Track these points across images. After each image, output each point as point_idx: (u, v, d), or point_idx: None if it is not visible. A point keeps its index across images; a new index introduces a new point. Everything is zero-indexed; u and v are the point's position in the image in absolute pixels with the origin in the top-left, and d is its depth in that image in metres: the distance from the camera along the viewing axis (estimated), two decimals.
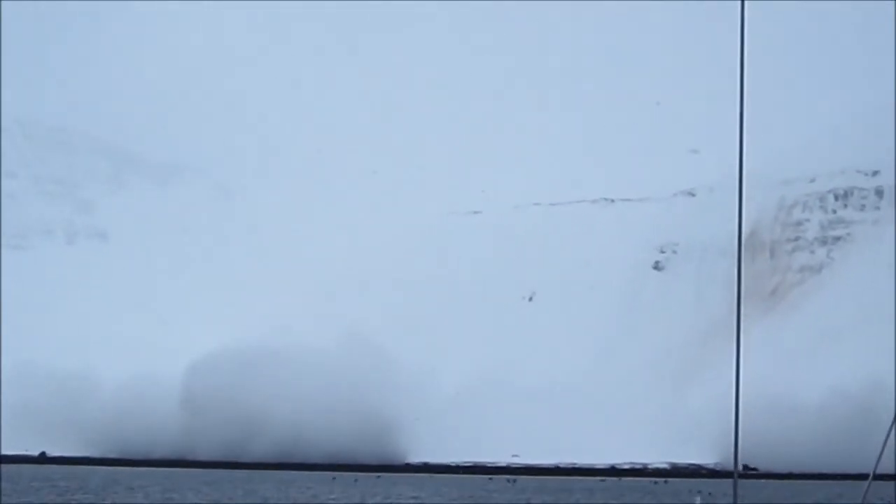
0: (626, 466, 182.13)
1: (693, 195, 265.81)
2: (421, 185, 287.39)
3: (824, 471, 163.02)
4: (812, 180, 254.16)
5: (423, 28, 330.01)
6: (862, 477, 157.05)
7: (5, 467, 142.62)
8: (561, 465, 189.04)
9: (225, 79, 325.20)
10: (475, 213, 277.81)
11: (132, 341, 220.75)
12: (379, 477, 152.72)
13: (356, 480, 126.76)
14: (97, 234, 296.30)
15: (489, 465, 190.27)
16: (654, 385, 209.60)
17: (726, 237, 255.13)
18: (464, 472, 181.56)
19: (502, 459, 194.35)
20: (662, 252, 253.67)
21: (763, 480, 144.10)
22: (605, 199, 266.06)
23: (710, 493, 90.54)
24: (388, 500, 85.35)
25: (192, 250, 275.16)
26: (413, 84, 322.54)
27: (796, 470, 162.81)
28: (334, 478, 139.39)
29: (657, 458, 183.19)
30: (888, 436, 15.25)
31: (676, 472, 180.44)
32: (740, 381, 15.15)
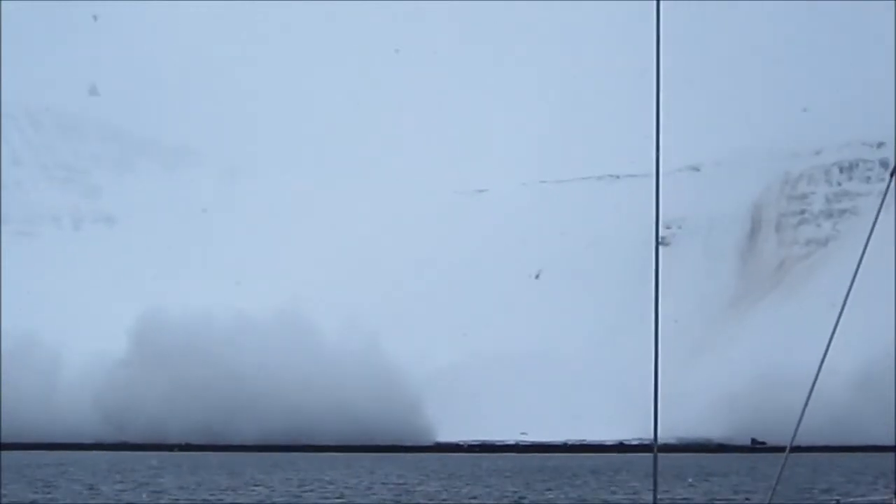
0: (635, 442, 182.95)
1: (698, 170, 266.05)
2: (427, 164, 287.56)
3: (830, 443, 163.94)
4: (817, 153, 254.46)
5: (427, 5, 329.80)
6: (865, 448, 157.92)
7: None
8: (569, 443, 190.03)
9: (232, 62, 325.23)
10: (481, 191, 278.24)
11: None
12: (382, 457, 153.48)
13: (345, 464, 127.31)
14: (104, 219, 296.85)
15: (497, 443, 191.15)
16: (662, 361, 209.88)
17: (732, 212, 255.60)
18: (472, 451, 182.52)
19: (510, 437, 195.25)
20: (668, 228, 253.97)
21: (772, 454, 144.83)
22: (611, 176, 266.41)
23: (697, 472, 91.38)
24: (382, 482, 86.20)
25: (200, 234, 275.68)
26: (418, 62, 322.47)
27: (804, 443, 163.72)
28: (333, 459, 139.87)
29: (664, 433, 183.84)
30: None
31: (684, 447, 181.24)
32: (658, 363, 15.83)
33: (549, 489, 75.97)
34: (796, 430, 16.46)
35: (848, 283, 16.92)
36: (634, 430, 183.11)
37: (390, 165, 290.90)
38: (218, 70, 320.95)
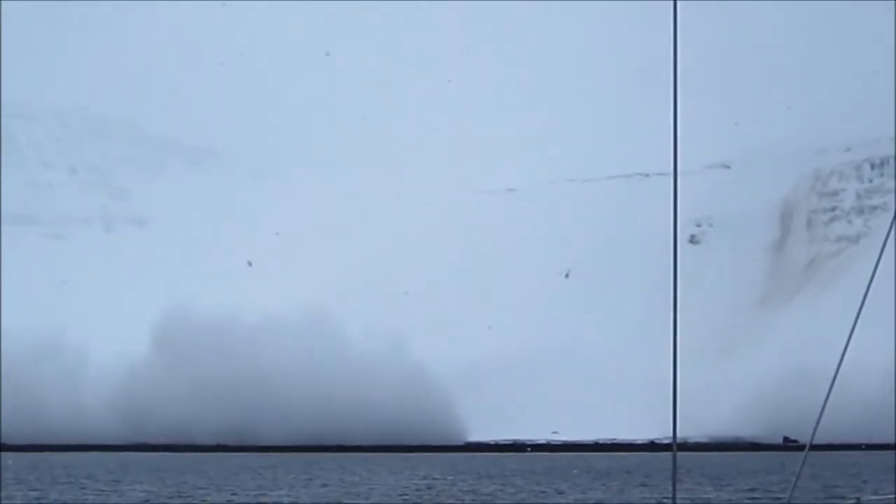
0: (666, 441, 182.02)
1: (728, 167, 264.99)
2: (454, 162, 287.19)
3: (862, 441, 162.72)
4: (847, 149, 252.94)
5: (454, 4, 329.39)
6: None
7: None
8: (600, 442, 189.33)
9: (259, 62, 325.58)
10: (510, 189, 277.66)
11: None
12: (410, 457, 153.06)
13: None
14: (135, 221, 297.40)
15: (528, 442, 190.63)
16: (693, 360, 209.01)
17: (763, 209, 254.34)
18: (502, 450, 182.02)
19: (541, 437, 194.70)
20: (698, 226, 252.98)
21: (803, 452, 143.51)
22: (640, 174, 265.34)
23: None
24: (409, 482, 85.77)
25: (230, 234, 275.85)
26: (446, 60, 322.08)
27: (836, 441, 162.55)
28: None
29: (695, 432, 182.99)
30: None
31: (715, 446, 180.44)
32: (678, 364, 15.32)
33: (578, 489, 75.46)
34: (815, 428, 15.96)
35: (880, 280, 16.35)
36: (666, 428, 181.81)
37: (417, 164, 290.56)
38: (244, 71, 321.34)
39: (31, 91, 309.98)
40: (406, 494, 68.71)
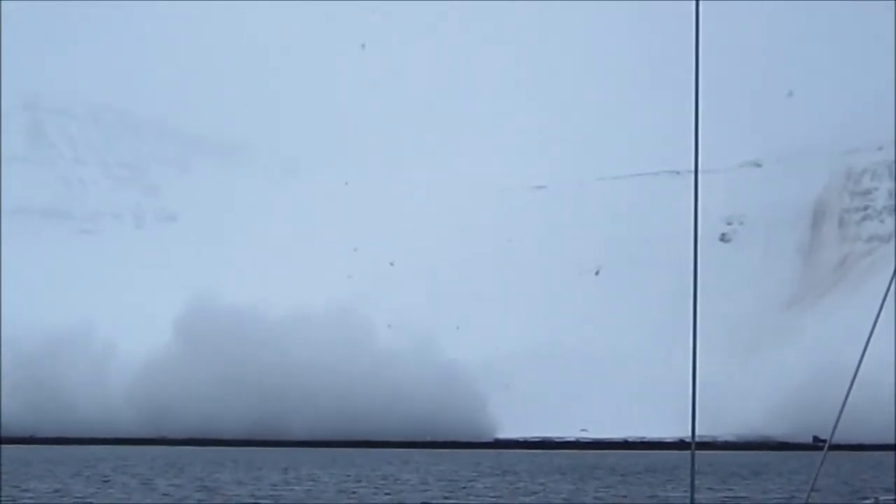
0: (697, 440, 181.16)
1: (759, 166, 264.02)
2: (484, 160, 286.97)
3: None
4: (880, 148, 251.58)
5: (484, 4, 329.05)
6: None
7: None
8: (629, 440, 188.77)
9: (287, 57, 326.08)
10: (540, 187, 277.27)
11: None
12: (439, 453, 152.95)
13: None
14: (166, 217, 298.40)
15: (557, 440, 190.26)
16: (723, 358, 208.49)
17: (794, 208, 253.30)
18: (531, 448, 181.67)
19: (570, 434, 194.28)
20: (729, 224, 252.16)
21: (834, 452, 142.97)
22: (670, 172, 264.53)
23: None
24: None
25: (260, 230, 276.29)
26: (476, 57, 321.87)
27: (867, 441, 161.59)
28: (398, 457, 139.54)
29: (724, 430, 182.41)
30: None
31: (745, 445, 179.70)
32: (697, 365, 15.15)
33: (604, 486, 75.24)
34: (834, 428, 15.74)
35: None
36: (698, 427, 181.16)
37: (448, 161, 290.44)
38: (273, 67, 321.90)
39: (65, 88, 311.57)
40: (431, 490, 68.60)
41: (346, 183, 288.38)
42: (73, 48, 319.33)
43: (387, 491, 68.09)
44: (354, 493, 66.52)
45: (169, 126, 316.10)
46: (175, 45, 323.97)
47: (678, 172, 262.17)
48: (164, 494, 62.65)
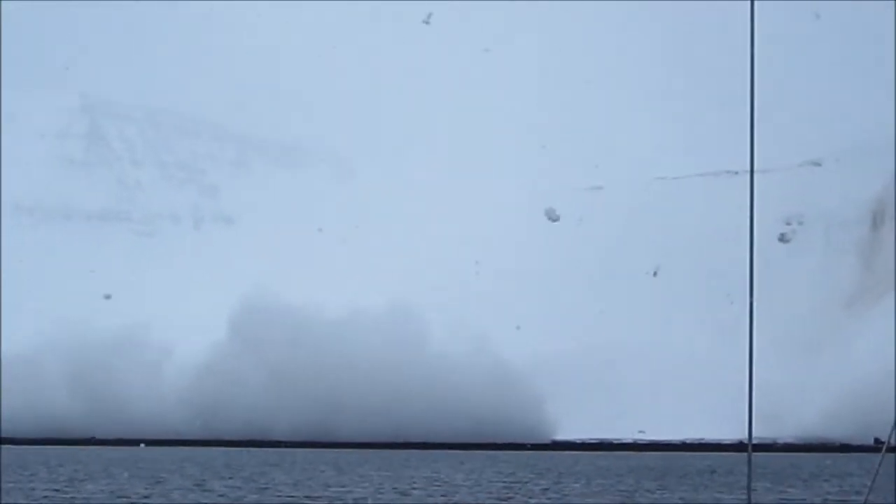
0: (755, 441, 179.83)
1: (819, 165, 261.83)
2: (542, 160, 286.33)
3: None
4: None
5: (547, 5, 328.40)
6: None
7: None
8: (688, 441, 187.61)
9: (344, 60, 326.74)
10: (597, 188, 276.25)
11: None
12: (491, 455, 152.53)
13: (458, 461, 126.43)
14: (223, 219, 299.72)
15: (615, 441, 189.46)
16: (782, 359, 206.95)
17: (854, 207, 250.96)
18: (589, 449, 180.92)
19: (628, 436, 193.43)
20: (788, 224, 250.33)
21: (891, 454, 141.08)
22: (728, 172, 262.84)
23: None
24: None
25: (316, 231, 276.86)
26: (533, 57, 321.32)
27: None
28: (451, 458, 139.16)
29: (784, 432, 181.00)
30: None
31: (805, 447, 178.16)
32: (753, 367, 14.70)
33: (660, 488, 74.64)
34: (893, 429, 15.19)
35: None
36: (755, 428, 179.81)
37: (506, 162, 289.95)
38: (331, 68, 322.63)
39: (123, 91, 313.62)
40: (487, 491, 68.30)
41: (403, 183, 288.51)
42: (130, 51, 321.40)
43: (443, 493, 67.80)
44: (409, 494, 66.32)
45: (226, 127, 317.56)
46: (231, 47, 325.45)
47: (737, 173, 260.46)
48: (220, 495, 62.64)
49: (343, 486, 73.12)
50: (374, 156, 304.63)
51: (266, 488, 69.99)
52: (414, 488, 71.73)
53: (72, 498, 62.52)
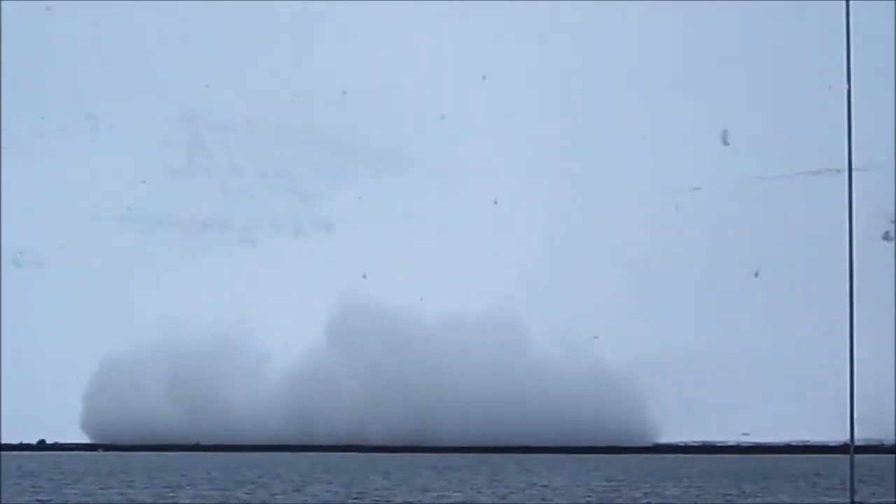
0: (860, 443, 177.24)
1: None
2: (640, 162, 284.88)
3: None
4: None
5: (636, 5, 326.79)
6: None
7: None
8: (792, 444, 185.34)
9: (440, 67, 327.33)
10: (696, 188, 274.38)
11: None
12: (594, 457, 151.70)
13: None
14: (322, 225, 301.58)
15: (718, 444, 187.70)
16: (887, 360, 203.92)
17: None
18: (691, 452, 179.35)
19: (732, 438, 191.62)
20: (892, 221, 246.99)
21: None
22: (830, 170, 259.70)
23: None
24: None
25: (414, 236, 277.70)
26: (630, 59, 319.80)
27: None
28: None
29: (890, 434, 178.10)
30: None
31: None
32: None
33: (762, 491, 73.73)
34: None
35: None
36: (860, 430, 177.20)
37: (604, 165, 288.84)
38: (424, 76, 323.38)
39: (222, 101, 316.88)
40: (589, 496, 67.88)
41: (500, 188, 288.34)
42: (229, 62, 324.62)
43: (543, 497, 67.48)
44: (507, 498, 66.07)
45: (323, 135, 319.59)
46: (328, 57, 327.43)
47: (838, 171, 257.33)
48: (325, 503, 62.89)
49: (444, 491, 73.03)
50: (471, 161, 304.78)
51: (363, 493, 70.09)
52: (511, 492, 71.45)
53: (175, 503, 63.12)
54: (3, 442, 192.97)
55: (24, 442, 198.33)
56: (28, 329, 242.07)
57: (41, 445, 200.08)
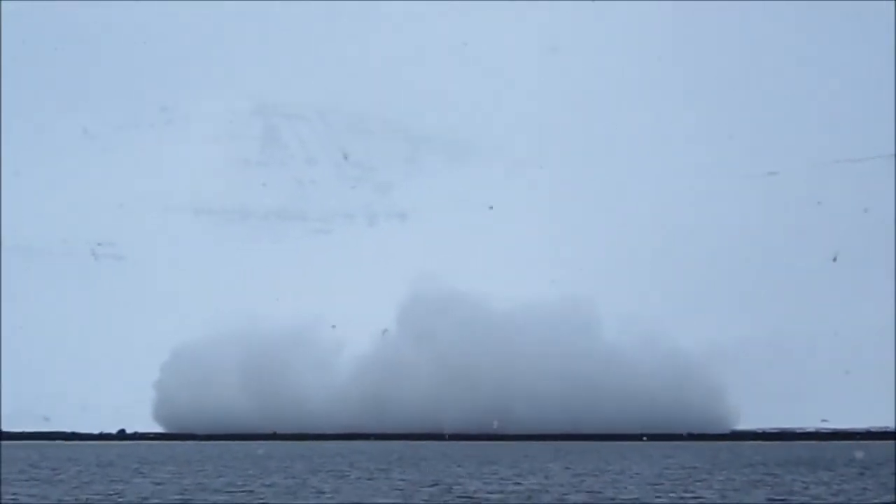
0: None
1: None
2: (715, 148, 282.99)
3: None
4: None
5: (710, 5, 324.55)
6: None
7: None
8: (872, 430, 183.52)
9: (511, 59, 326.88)
10: (772, 173, 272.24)
11: None
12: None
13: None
14: (397, 215, 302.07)
15: (797, 430, 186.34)
16: None
17: None
18: (770, 439, 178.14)
19: (810, 425, 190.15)
20: None
21: None
22: None
23: None
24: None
25: (488, 226, 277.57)
26: (704, 47, 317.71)
27: None
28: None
29: None
30: None
31: None
32: None
33: (840, 478, 72.96)
34: None
35: None
36: None
37: (679, 152, 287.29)
38: (499, 66, 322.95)
39: (295, 91, 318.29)
40: (665, 483, 67.49)
41: (573, 175, 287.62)
42: (301, 52, 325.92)
43: (619, 484, 67.22)
44: (582, 483, 65.90)
45: (398, 125, 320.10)
46: (401, 46, 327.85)
47: None
48: (404, 493, 62.96)
49: (521, 478, 72.93)
50: (543, 150, 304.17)
51: (445, 482, 70.10)
52: (582, 480, 71.21)
53: (253, 491, 63.48)
54: (84, 432, 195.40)
55: (104, 432, 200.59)
56: (108, 321, 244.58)
57: (121, 435, 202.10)
